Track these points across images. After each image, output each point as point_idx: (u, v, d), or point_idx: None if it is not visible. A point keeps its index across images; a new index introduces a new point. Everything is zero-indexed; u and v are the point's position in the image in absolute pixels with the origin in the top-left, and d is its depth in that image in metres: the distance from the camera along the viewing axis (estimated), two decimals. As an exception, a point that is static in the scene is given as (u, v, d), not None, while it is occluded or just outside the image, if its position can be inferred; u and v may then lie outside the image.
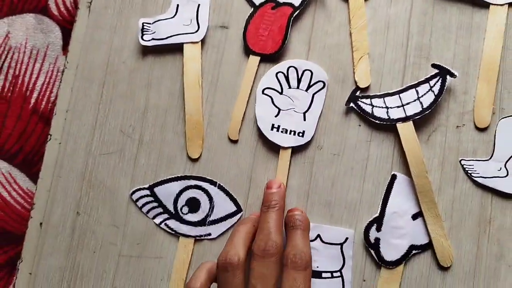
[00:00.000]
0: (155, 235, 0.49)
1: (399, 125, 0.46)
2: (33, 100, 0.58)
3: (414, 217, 0.46)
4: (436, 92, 0.46)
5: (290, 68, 0.50)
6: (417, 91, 0.47)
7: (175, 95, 0.51)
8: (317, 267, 0.46)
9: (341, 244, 0.46)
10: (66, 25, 0.59)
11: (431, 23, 0.49)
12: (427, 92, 0.47)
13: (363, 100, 0.47)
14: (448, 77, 0.46)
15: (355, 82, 0.49)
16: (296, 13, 0.50)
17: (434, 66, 0.47)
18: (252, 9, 0.51)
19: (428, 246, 0.46)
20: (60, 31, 0.59)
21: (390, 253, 0.45)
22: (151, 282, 0.48)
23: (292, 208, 0.46)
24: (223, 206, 0.48)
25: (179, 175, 0.49)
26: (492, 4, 0.48)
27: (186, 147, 0.50)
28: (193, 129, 0.50)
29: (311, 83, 0.49)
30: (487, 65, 0.47)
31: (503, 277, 0.45)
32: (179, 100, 0.51)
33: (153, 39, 0.51)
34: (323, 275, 0.46)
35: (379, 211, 0.46)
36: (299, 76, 0.49)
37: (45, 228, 0.50)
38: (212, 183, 0.49)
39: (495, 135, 0.47)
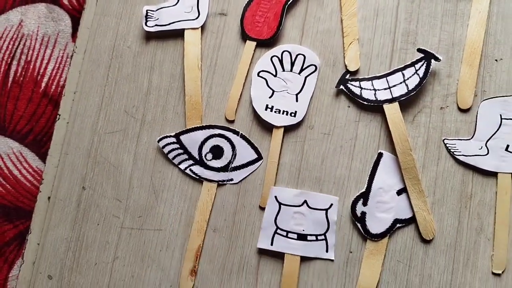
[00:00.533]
0: (155, 209, 0.52)
1: (385, 106, 0.49)
2: (43, 84, 0.61)
3: (399, 192, 0.49)
4: (421, 75, 0.49)
5: (284, 52, 0.53)
6: (403, 74, 0.50)
7: (176, 77, 0.54)
8: (303, 230, 0.49)
9: (326, 210, 0.49)
10: (75, 14, 0.62)
11: (417, 11, 0.52)
12: (412, 75, 0.49)
13: (352, 82, 0.50)
14: (432, 61, 0.49)
15: (345, 66, 0.52)
16: (290, 1, 0.53)
17: (419, 50, 0.49)
18: (250, -3, 0.54)
19: (412, 220, 0.48)
20: (70, 19, 0.63)
21: (375, 226, 0.48)
22: (150, 252, 0.51)
23: None
24: (245, 153, 0.51)
25: (203, 125, 0.52)
26: None
27: (185, 126, 0.53)
28: (193, 110, 0.53)
29: (304, 67, 0.52)
30: (470, 49, 0.50)
31: (483, 249, 0.47)
32: (180, 82, 0.54)
33: (156, 25, 0.54)
34: (309, 238, 0.48)
35: (365, 186, 0.49)
36: (293, 60, 0.52)
37: (52, 202, 0.53)
38: (235, 132, 0.52)
39: (477, 116, 0.49)
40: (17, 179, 0.59)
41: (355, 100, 0.50)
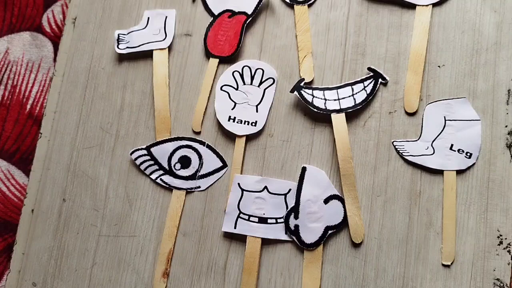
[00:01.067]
0: (129, 217, 0.56)
1: (333, 115, 0.53)
2: (28, 106, 0.66)
3: (326, 201, 0.52)
4: (368, 92, 0.53)
5: (245, 67, 0.57)
6: (352, 89, 0.54)
7: (147, 94, 0.59)
8: (264, 214, 0.52)
9: (285, 195, 0.52)
10: (57, 40, 0.68)
11: (365, 24, 0.56)
12: (360, 90, 0.53)
13: (306, 90, 0.54)
14: (380, 80, 0.53)
15: (300, 77, 0.56)
16: (249, 20, 0.58)
17: (369, 69, 0.54)
18: (212, 18, 0.59)
19: (342, 224, 0.51)
20: (52, 45, 0.68)
21: (309, 236, 0.51)
22: (126, 257, 0.55)
23: None
24: (211, 162, 0.55)
25: (172, 137, 0.56)
26: (418, 5, 0.55)
27: (156, 139, 0.57)
28: (162, 123, 0.57)
29: (263, 80, 0.56)
30: (414, 58, 0.54)
31: (432, 243, 0.50)
32: (150, 99, 0.58)
33: (127, 47, 0.59)
34: (269, 221, 0.52)
35: (294, 201, 0.52)
36: (252, 74, 0.57)
37: (36, 214, 0.58)
38: (201, 143, 0.56)
39: (422, 119, 0.53)
40: (5, 195, 0.64)
41: (311, 110, 0.54)
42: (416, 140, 0.53)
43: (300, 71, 0.56)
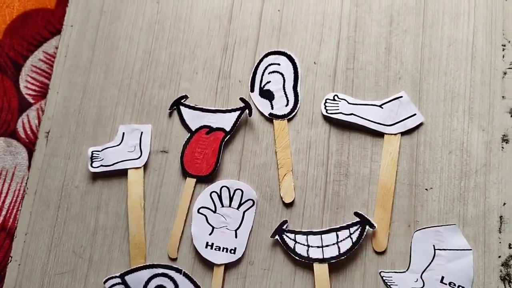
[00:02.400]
0: None
1: (315, 265, 0.50)
2: (1, 218, 0.63)
3: None
4: (354, 240, 0.50)
5: (223, 188, 0.54)
6: (337, 235, 0.51)
7: (121, 215, 0.56)
8: None
9: None
10: (32, 148, 0.65)
11: (348, 142, 0.54)
12: (346, 238, 0.50)
13: (288, 234, 0.51)
14: (367, 227, 0.50)
15: (281, 198, 0.53)
16: (227, 137, 0.55)
17: (356, 214, 0.51)
18: (189, 134, 0.57)
19: None
20: (27, 152, 0.65)
21: None
22: None
23: None
24: None
25: (147, 264, 0.53)
26: (386, 133, 0.53)
27: (130, 265, 0.54)
28: (136, 249, 0.54)
29: (242, 201, 0.54)
30: (382, 192, 0.51)
31: None
32: (125, 221, 0.56)
33: (101, 165, 0.57)
34: None
35: None
36: (231, 195, 0.54)
37: None
38: (178, 270, 0.53)
39: (411, 247, 0.50)
40: (-24, 315, 0.60)
41: (292, 257, 0.51)
42: (405, 271, 0.49)
43: (281, 190, 0.53)
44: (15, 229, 0.62)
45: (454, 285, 0.48)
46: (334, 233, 0.50)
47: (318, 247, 0.50)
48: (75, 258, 0.56)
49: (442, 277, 0.49)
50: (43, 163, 0.59)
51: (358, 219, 0.50)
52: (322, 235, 0.51)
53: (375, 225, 0.50)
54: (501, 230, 0.49)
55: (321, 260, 0.50)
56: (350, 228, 0.50)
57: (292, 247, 0.51)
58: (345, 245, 0.50)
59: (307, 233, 0.51)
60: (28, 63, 0.69)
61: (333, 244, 0.50)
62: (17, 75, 0.69)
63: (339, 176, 0.53)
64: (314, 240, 0.51)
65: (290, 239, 0.51)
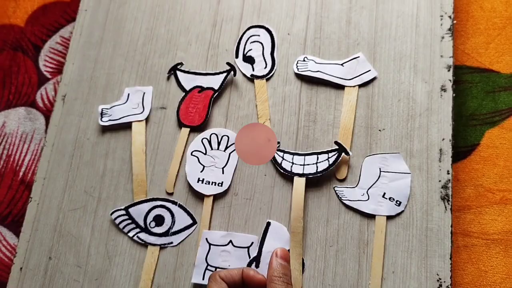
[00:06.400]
0: (109, 272, 0.62)
1: (295, 178, 0.60)
2: (21, 174, 0.73)
3: None
4: (330, 163, 0.60)
5: (212, 135, 0.65)
6: (317, 157, 0.61)
7: (126, 161, 0.66)
8: (229, 265, 0.58)
9: (248, 248, 0.59)
10: (49, 114, 0.76)
11: (316, 95, 0.65)
12: (324, 160, 0.61)
13: (278, 152, 0.62)
14: (343, 153, 0.60)
15: (261, 143, 0.64)
16: (216, 94, 0.66)
17: (336, 143, 0.61)
18: (184, 93, 0.68)
19: None
20: (44, 119, 0.76)
21: None
22: (105, 310, 0.60)
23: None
24: (182, 220, 0.62)
25: (148, 198, 0.63)
26: (346, 86, 0.64)
27: (133, 200, 0.64)
28: (139, 186, 0.64)
29: (228, 145, 0.64)
30: (343, 132, 0.62)
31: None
32: (129, 165, 0.66)
33: (109, 120, 0.67)
34: None
35: (256, 251, 0.59)
36: (219, 140, 0.64)
37: (24, 272, 0.63)
38: (174, 202, 0.63)
39: (361, 169, 0.60)
40: (-3, 256, 0.70)
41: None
42: (354, 187, 0.59)
43: (261, 137, 0.64)
44: (33, 181, 0.72)
45: (393, 199, 0.58)
46: (315, 155, 0.61)
47: (300, 165, 0.60)
48: (86, 197, 0.65)
49: (384, 193, 0.59)
50: (60, 121, 0.70)
51: (336, 147, 0.60)
52: (306, 156, 0.61)
53: (350, 153, 0.60)
54: (441, 160, 0.59)
55: (301, 175, 0.60)
56: (329, 153, 0.60)
57: (280, 162, 0.61)
58: (322, 166, 0.60)
59: (293, 154, 0.61)
60: (46, 45, 0.80)
61: (313, 163, 0.60)
62: (37, 55, 0.80)
63: (309, 122, 0.64)
64: (298, 159, 0.61)
65: (279, 156, 0.61)
